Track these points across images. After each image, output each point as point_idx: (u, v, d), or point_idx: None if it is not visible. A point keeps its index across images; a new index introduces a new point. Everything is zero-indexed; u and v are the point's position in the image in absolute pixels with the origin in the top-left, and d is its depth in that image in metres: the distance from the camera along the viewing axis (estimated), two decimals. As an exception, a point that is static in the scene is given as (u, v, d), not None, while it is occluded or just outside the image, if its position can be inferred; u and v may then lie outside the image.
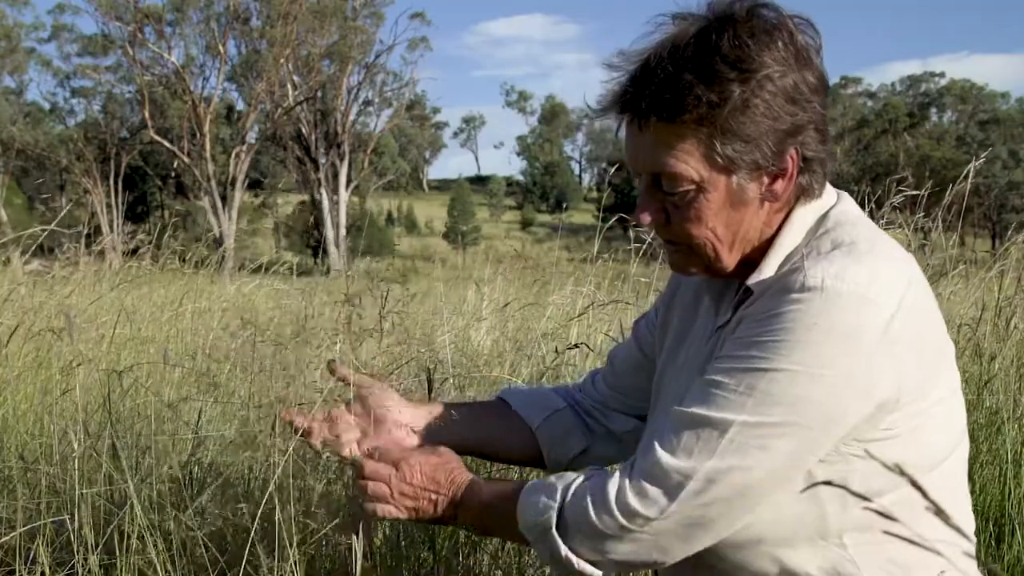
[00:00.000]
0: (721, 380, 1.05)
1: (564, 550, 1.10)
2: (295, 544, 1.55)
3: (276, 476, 1.66)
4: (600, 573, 1.11)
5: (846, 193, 1.21)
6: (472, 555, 2.09)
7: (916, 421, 1.06)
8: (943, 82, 64.00)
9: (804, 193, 1.14)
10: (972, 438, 2.25)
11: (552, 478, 1.15)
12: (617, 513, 1.05)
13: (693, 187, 1.10)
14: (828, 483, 1.07)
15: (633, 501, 1.05)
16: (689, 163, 1.08)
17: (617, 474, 1.08)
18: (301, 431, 1.37)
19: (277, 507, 1.60)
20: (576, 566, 1.10)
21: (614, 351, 1.49)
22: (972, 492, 2.18)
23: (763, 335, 1.04)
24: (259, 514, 1.66)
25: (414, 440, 1.39)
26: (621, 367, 1.45)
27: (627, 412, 1.43)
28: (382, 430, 1.37)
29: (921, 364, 1.06)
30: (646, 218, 1.15)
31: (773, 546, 1.10)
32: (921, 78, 65.26)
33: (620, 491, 1.06)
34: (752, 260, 1.15)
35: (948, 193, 2.85)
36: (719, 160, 1.08)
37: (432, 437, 1.40)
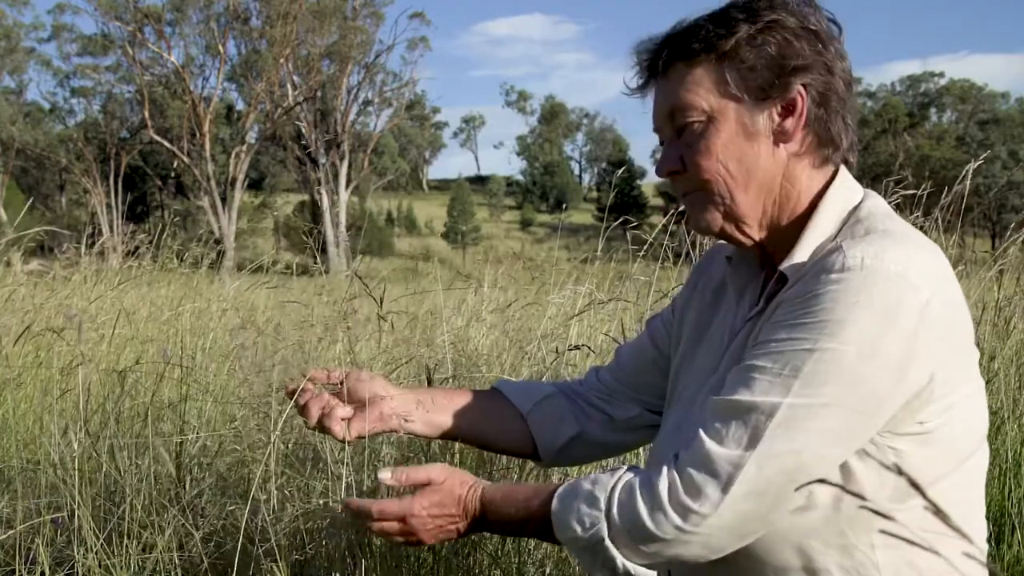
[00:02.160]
0: (764, 364, 1.04)
1: (620, 559, 1.08)
2: (286, 544, 1.55)
3: (268, 474, 1.66)
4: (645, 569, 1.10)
5: (873, 191, 1.21)
6: (472, 555, 2.09)
7: (946, 416, 1.06)
8: (943, 82, 64.11)
9: (823, 146, 1.15)
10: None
11: (585, 483, 1.12)
12: (672, 513, 1.03)
13: (703, 118, 1.14)
14: (861, 475, 1.06)
15: (686, 498, 1.03)
16: (699, 93, 1.14)
17: (665, 471, 1.05)
18: (299, 409, 1.38)
19: (275, 507, 1.60)
20: (632, 571, 1.08)
21: (621, 348, 1.49)
22: (972, 492, 2.19)
23: (804, 317, 1.03)
24: (252, 514, 1.66)
25: (410, 426, 1.40)
26: (630, 363, 1.44)
27: (634, 403, 1.42)
28: (371, 415, 1.37)
29: (954, 355, 1.06)
30: (665, 169, 1.19)
31: (801, 536, 1.08)
32: (921, 78, 65.33)
33: (672, 488, 1.04)
34: (780, 248, 1.16)
35: (945, 195, 2.85)
36: (728, 87, 1.13)
37: (425, 423, 1.40)
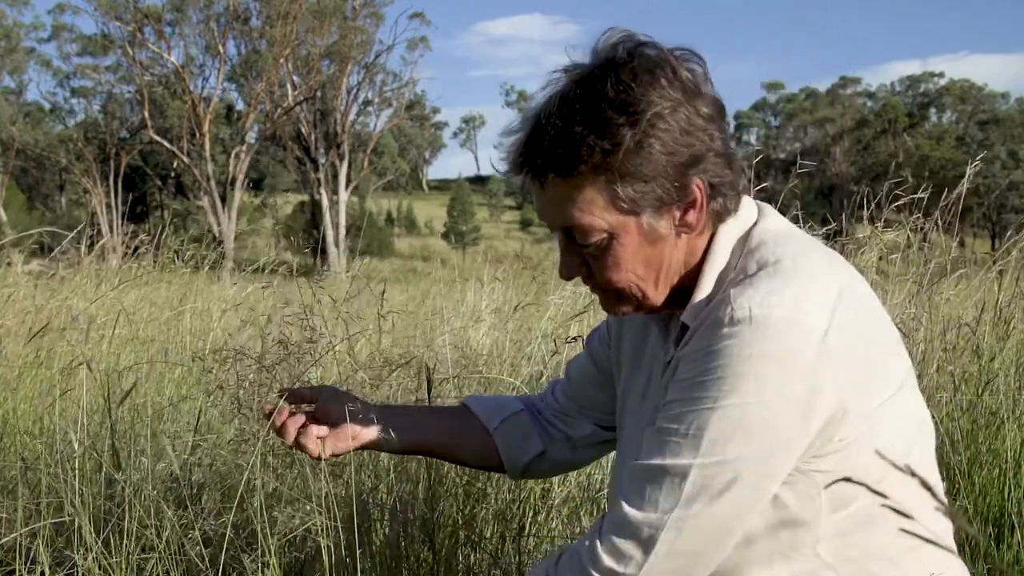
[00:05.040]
0: (671, 427, 1.06)
1: None
2: (277, 547, 1.56)
3: (266, 476, 1.66)
4: None
5: (768, 206, 1.20)
6: (472, 555, 2.10)
7: (867, 424, 1.07)
8: (943, 82, 63.95)
9: (719, 218, 1.14)
10: (972, 438, 2.26)
11: (541, 564, 1.18)
12: None
13: (605, 235, 1.11)
14: (794, 503, 1.08)
15: (609, 562, 1.06)
16: (595, 213, 1.09)
17: (588, 543, 1.09)
18: (276, 429, 1.40)
19: (262, 510, 1.60)
20: None
21: (570, 364, 1.51)
22: (972, 492, 2.19)
23: (703, 375, 1.04)
24: (250, 515, 1.66)
25: (383, 442, 1.43)
26: (577, 380, 1.46)
27: (586, 420, 1.46)
28: (345, 433, 1.40)
29: (862, 370, 1.06)
30: (568, 273, 1.17)
31: (748, 569, 1.11)
32: (921, 78, 65.19)
33: (594, 555, 1.08)
34: (684, 288, 1.16)
35: (945, 197, 2.85)
36: (624, 204, 1.08)
37: (397, 440, 1.43)
